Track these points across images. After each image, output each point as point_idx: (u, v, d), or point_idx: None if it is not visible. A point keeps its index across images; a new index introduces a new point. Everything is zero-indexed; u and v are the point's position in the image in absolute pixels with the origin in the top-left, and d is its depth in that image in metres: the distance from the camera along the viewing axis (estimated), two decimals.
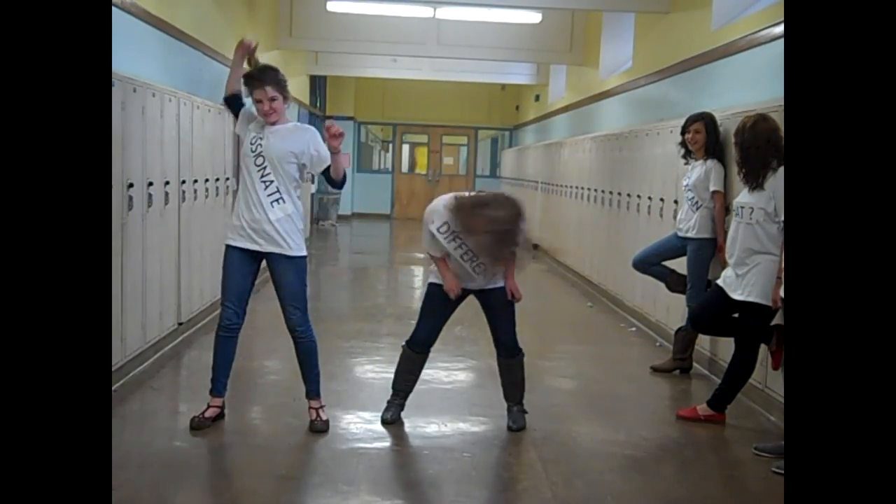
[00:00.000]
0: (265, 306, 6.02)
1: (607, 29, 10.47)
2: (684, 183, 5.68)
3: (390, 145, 20.08)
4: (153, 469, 3.78)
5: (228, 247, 4.24)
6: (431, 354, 4.54)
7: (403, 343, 4.52)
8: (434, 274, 4.40)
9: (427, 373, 4.67)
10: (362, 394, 5.10)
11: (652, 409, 5.15)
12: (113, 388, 4.76)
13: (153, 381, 5.14)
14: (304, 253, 4.25)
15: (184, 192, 6.08)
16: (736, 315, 4.56)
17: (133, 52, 5.42)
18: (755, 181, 4.35)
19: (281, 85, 4.15)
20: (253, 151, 4.15)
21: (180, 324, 6.15)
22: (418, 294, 8.87)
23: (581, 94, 11.75)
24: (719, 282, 4.60)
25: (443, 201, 4.23)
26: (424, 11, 10.98)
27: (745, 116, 4.53)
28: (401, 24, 11.67)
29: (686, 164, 5.73)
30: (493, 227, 3.97)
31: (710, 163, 5.47)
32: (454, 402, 5.04)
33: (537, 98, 15.82)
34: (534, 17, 11.30)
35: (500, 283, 4.34)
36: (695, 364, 5.81)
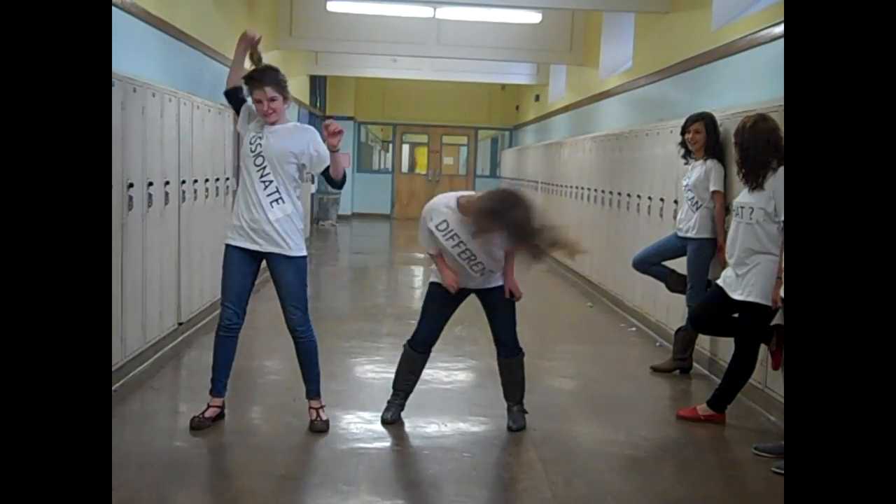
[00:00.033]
0: (265, 306, 6.02)
1: (607, 29, 10.47)
2: (684, 183, 5.68)
3: (390, 145, 20.08)
4: (153, 469, 3.78)
5: (228, 246, 4.24)
6: (431, 354, 4.54)
7: (405, 343, 4.53)
8: (435, 273, 4.40)
9: (427, 373, 4.67)
10: (362, 394, 5.10)
11: (652, 409, 5.15)
12: (113, 388, 4.76)
13: (153, 381, 5.14)
14: (304, 253, 4.25)
15: (184, 192, 6.08)
16: (736, 315, 4.56)
17: (133, 52, 5.42)
18: (755, 181, 4.35)
19: (280, 85, 4.15)
20: (252, 151, 4.14)
21: (180, 324, 6.15)
22: (418, 294, 8.87)
23: (581, 94, 11.74)
24: (719, 282, 4.60)
25: (443, 201, 4.23)
26: (424, 11, 10.97)
27: (745, 116, 4.53)
28: (401, 24, 11.67)
29: (686, 164, 5.73)
30: (512, 226, 3.94)
31: (710, 163, 5.47)
32: (454, 402, 5.04)
33: (537, 98, 15.82)
34: (534, 17, 11.30)
35: (501, 282, 4.34)
36: (695, 364, 5.81)
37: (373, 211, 19.34)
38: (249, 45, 4.31)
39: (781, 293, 4.16)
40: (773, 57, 5.46)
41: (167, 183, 5.67)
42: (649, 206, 7.08)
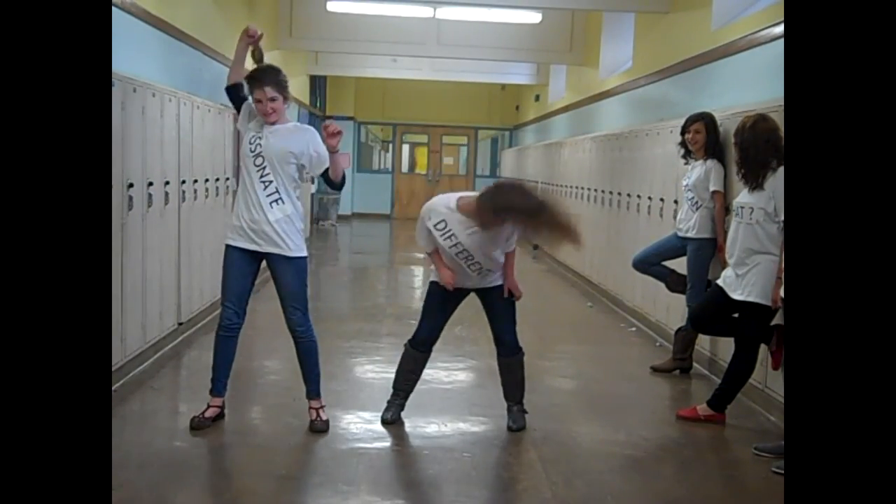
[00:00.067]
0: (265, 306, 6.03)
1: (607, 29, 10.47)
2: (684, 183, 5.68)
3: (390, 145, 20.08)
4: (153, 469, 3.78)
5: (228, 247, 4.24)
6: (432, 354, 4.54)
7: (406, 342, 4.53)
8: (435, 273, 4.40)
9: (427, 373, 4.67)
10: (362, 394, 5.10)
11: (652, 409, 5.15)
12: (113, 388, 4.76)
13: (153, 381, 5.14)
14: (304, 254, 4.25)
15: (184, 192, 6.08)
16: (736, 315, 4.56)
17: (133, 52, 5.42)
18: (755, 181, 4.35)
19: (281, 85, 4.14)
20: (252, 151, 4.14)
21: (180, 324, 6.15)
22: (418, 294, 8.87)
23: (581, 94, 11.75)
24: (719, 282, 4.60)
25: (443, 201, 4.23)
26: (424, 11, 10.98)
27: (744, 116, 4.53)
28: (401, 24, 11.67)
29: (686, 164, 5.73)
30: (516, 205, 3.97)
31: (710, 163, 5.47)
32: (454, 402, 5.04)
33: (537, 98, 15.82)
34: (534, 17, 11.30)
35: (500, 282, 4.34)
36: (695, 364, 5.81)
37: (373, 211, 19.34)
38: (251, 41, 4.31)
39: (781, 293, 4.16)
40: (773, 57, 5.46)
41: (167, 183, 5.67)
42: (649, 206, 7.08)
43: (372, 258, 13.29)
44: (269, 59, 4.57)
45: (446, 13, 11.02)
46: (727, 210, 5.25)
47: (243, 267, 4.23)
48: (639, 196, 7.45)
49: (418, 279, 10.50)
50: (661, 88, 8.06)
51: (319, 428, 4.29)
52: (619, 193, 8.18)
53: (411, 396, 4.55)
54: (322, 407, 4.37)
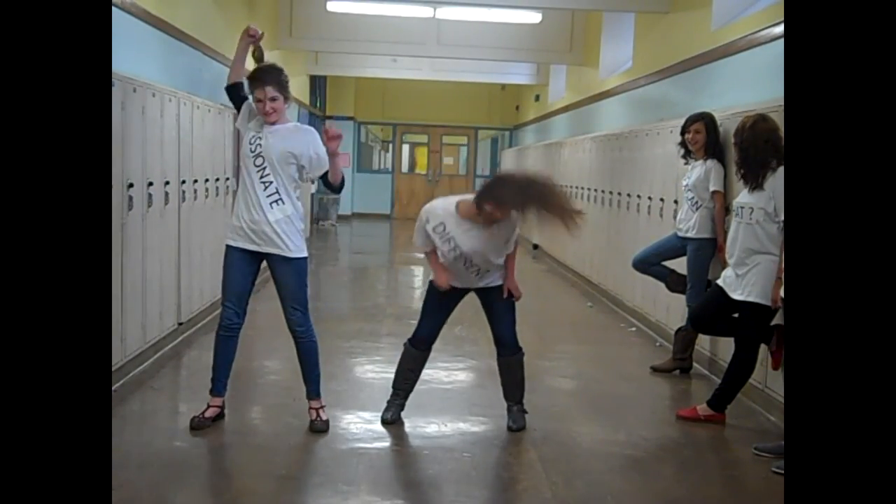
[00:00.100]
0: (265, 306, 6.03)
1: (607, 29, 10.47)
2: (684, 183, 5.68)
3: (390, 145, 20.07)
4: (153, 469, 3.78)
5: (229, 247, 4.24)
6: (431, 354, 4.55)
7: (405, 342, 4.53)
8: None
9: (427, 373, 4.67)
10: (362, 394, 5.10)
11: (652, 409, 5.15)
12: (113, 388, 4.76)
13: (153, 381, 5.14)
14: (305, 254, 4.24)
15: (184, 192, 6.08)
16: (736, 315, 4.56)
17: (133, 52, 5.42)
18: (754, 181, 4.36)
19: (282, 85, 4.14)
20: (252, 152, 4.14)
21: (180, 324, 6.15)
22: (418, 294, 8.87)
23: (581, 94, 11.74)
24: (719, 282, 4.61)
25: (442, 204, 4.24)
26: (424, 11, 10.97)
27: (744, 116, 4.53)
28: (401, 24, 11.67)
29: (686, 164, 5.73)
30: (515, 188, 4.01)
31: (710, 163, 5.47)
32: (454, 402, 5.04)
33: (537, 98, 15.82)
34: (534, 17, 11.30)
35: (500, 282, 4.34)
36: (695, 364, 5.81)
37: (373, 211, 19.33)
38: (251, 41, 4.31)
39: (781, 293, 4.16)
40: (773, 57, 5.46)
41: (167, 183, 5.67)
42: (649, 206, 7.08)
43: (372, 258, 13.29)
44: (269, 58, 4.56)
45: (446, 13, 11.02)
46: (727, 210, 5.25)
47: (243, 267, 4.23)
48: (639, 196, 7.45)
49: (418, 279, 10.50)
50: (661, 88, 8.06)
51: (319, 428, 4.29)
52: (619, 193, 8.18)
53: (411, 396, 4.55)
54: (322, 407, 4.37)
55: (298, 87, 12.79)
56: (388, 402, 4.52)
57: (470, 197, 4.19)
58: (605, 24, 10.48)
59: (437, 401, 4.95)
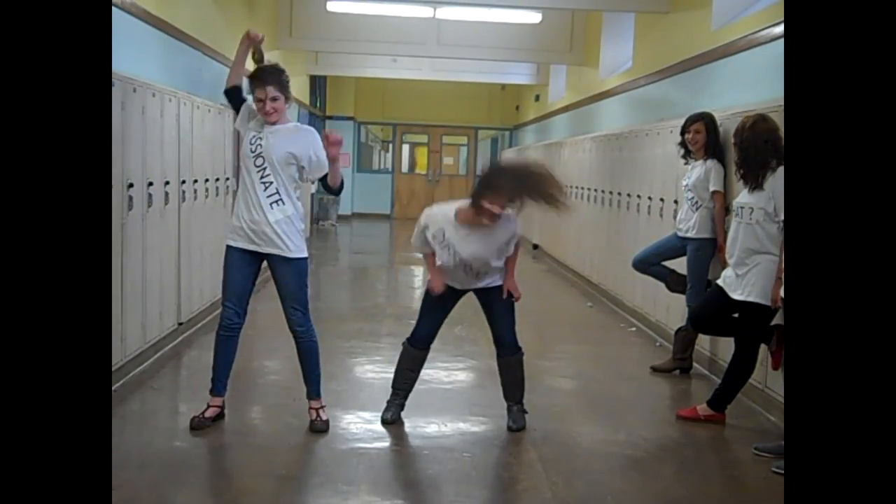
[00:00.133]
0: (265, 306, 6.03)
1: (607, 29, 10.47)
2: (684, 183, 5.68)
3: (390, 145, 20.07)
4: (153, 469, 3.78)
5: (229, 247, 4.24)
6: (431, 354, 4.55)
7: (404, 341, 4.53)
8: None
9: (427, 373, 4.67)
10: (362, 394, 5.10)
11: (652, 409, 5.15)
12: (113, 388, 4.76)
13: (153, 381, 5.14)
14: (305, 254, 4.24)
15: (184, 192, 6.08)
16: (736, 315, 4.56)
17: (133, 52, 5.42)
18: (754, 181, 4.36)
19: (283, 85, 4.14)
20: (252, 152, 4.14)
21: (180, 324, 6.15)
22: (418, 294, 8.87)
23: (581, 94, 11.74)
24: (719, 282, 4.61)
25: (442, 212, 4.25)
26: (424, 11, 10.97)
27: (744, 117, 4.53)
28: (401, 24, 11.67)
29: (686, 164, 5.73)
30: (511, 177, 4.07)
31: (710, 163, 5.47)
32: (454, 402, 5.04)
33: (537, 98, 15.81)
34: (534, 17, 11.30)
35: (500, 282, 4.35)
36: (695, 364, 5.81)
37: (373, 211, 19.33)
38: (252, 44, 4.31)
39: (781, 293, 4.16)
40: (773, 57, 5.46)
41: (167, 183, 5.67)
42: (649, 206, 7.08)
43: (372, 258, 13.28)
44: (269, 59, 4.56)
45: (446, 13, 11.02)
46: (727, 210, 5.25)
47: (244, 267, 4.23)
48: (639, 196, 7.45)
49: (418, 279, 10.49)
50: (661, 88, 8.06)
51: (319, 428, 4.29)
52: (619, 193, 8.18)
53: (411, 396, 4.55)
54: (322, 407, 4.37)
55: (298, 87, 12.79)
56: (388, 402, 4.52)
57: (467, 202, 4.20)
58: (605, 24, 10.48)
59: (437, 401, 4.95)
